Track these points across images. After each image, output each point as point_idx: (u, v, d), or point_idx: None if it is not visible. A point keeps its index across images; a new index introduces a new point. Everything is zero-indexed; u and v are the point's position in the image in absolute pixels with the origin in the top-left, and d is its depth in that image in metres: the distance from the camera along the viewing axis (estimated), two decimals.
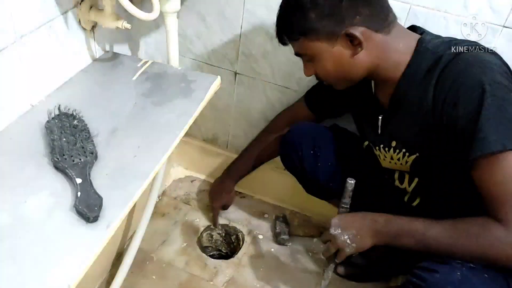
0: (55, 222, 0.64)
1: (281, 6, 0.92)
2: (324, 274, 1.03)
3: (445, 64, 0.81)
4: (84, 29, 0.90)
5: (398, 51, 0.88)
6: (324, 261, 1.00)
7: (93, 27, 0.92)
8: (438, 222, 0.80)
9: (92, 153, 0.72)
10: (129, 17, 1.01)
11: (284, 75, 1.29)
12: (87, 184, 0.67)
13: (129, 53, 1.11)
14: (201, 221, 1.45)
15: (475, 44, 0.86)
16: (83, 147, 0.72)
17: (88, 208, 0.64)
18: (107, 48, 1.00)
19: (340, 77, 0.91)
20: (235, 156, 1.50)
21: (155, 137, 0.80)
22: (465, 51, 0.82)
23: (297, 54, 0.94)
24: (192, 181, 1.59)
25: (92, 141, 0.75)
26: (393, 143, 0.96)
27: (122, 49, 1.08)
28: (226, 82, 1.37)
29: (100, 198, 0.65)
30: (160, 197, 1.52)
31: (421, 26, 1.08)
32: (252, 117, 1.40)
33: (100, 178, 0.70)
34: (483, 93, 0.75)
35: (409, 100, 0.89)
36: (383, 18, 0.87)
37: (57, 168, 0.70)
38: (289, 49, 1.23)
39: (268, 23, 1.22)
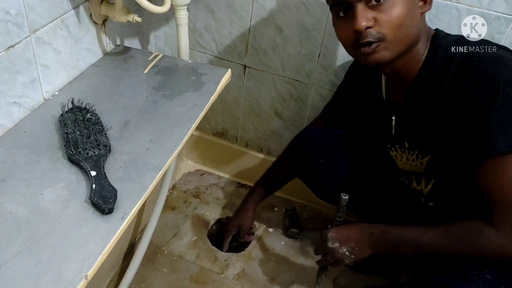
0: (71, 213, 0.65)
1: None
2: (318, 279, 1.05)
3: (459, 62, 0.79)
4: (96, 23, 0.91)
5: (425, 38, 0.86)
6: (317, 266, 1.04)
7: (104, 21, 0.93)
8: (432, 229, 0.80)
9: (105, 146, 0.73)
10: (139, 11, 1.01)
11: (294, 67, 1.29)
12: (102, 177, 0.68)
13: (139, 46, 1.12)
14: (211, 215, 1.45)
15: (486, 41, 0.84)
16: (96, 140, 0.73)
17: (103, 200, 0.64)
18: (118, 41, 1.01)
19: (404, 33, 0.79)
20: (244, 149, 1.51)
21: (167, 130, 0.80)
22: (477, 48, 0.80)
23: None
24: (202, 175, 1.60)
25: (106, 134, 0.75)
26: (406, 144, 0.94)
27: (132, 42, 1.08)
28: (235, 76, 1.37)
29: (114, 190, 0.66)
30: (170, 191, 1.53)
31: (432, 17, 1.07)
32: (262, 110, 1.40)
33: (114, 171, 0.71)
34: (496, 91, 0.73)
35: (422, 99, 0.86)
36: None
37: (71, 161, 0.71)
38: (298, 41, 1.24)
39: (277, 16, 1.22)
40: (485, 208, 0.75)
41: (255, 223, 1.42)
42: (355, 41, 0.81)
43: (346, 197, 0.93)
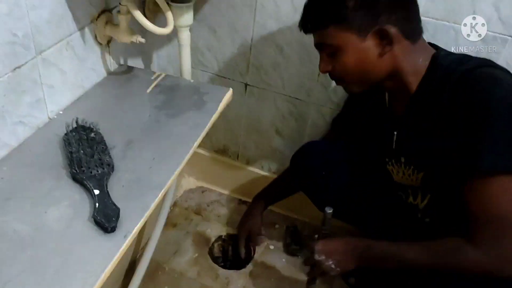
0: (74, 232, 0.65)
1: None
2: None
3: (456, 80, 0.80)
4: (100, 43, 0.93)
5: (418, 63, 0.88)
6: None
7: (109, 41, 0.95)
8: (416, 245, 0.83)
9: (109, 165, 0.74)
10: (143, 32, 1.03)
11: (294, 86, 1.31)
12: (105, 195, 0.69)
13: (142, 66, 1.14)
14: (213, 232, 1.46)
15: (487, 61, 0.86)
16: (100, 159, 0.74)
17: (106, 218, 0.65)
18: (122, 61, 1.03)
19: (359, 76, 0.87)
20: (245, 166, 1.51)
21: (169, 149, 0.82)
22: (477, 67, 0.80)
23: (318, 45, 0.90)
24: (203, 192, 1.60)
25: (109, 153, 0.77)
26: (402, 159, 0.96)
27: (136, 62, 1.10)
28: (237, 94, 1.39)
29: (117, 209, 0.67)
30: (171, 208, 1.53)
31: (430, 37, 1.09)
32: (262, 127, 1.42)
33: (117, 189, 0.72)
34: (489, 111, 0.74)
35: (420, 114, 0.88)
36: (415, 26, 0.87)
37: (75, 179, 0.72)
38: (299, 60, 1.26)
39: (278, 35, 1.24)
40: (468, 226, 0.76)
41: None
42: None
43: (330, 211, 0.97)
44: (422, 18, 1.06)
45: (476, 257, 0.74)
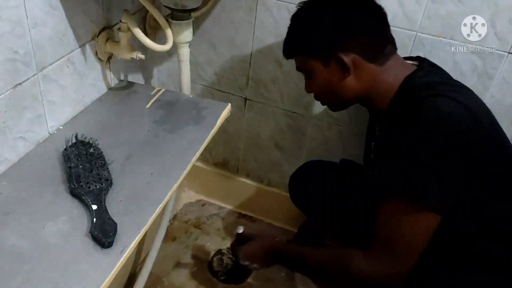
0: (72, 247, 0.66)
1: (291, 22, 0.96)
2: None
3: (410, 107, 0.79)
4: (101, 60, 0.94)
5: (388, 84, 0.89)
6: None
7: (109, 58, 0.96)
8: (318, 250, 0.92)
9: (107, 180, 0.75)
10: (143, 48, 1.05)
11: (293, 100, 1.32)
12: (102, 210, 0.69)
13: (143, 81, 1.15)
14: (212, 245, 1.46)
15: (458, 90, 0.83)
16: (98, 174, 0.75)
17: (103, 233, 0.66)
18: (122, 77, 1.04)
19: (330, 98, 0.97)
20: (245, 180, 1.52)
21: (168, 163, 0.82)
22: (430, 96, 0.77)
23: (297, 68, 0.99)
24: (203, 205, 1.61)
25: (108, 168, 0.77)
26: (375, 172, 0.99)
27: (136, 77, 1.12)
28: (236, 108, 1.40)
29: (114, 224, 0.68)
30: (171, 221, 1.53)
31: (427, 53, 1.10)
32: (262, 141, 1.43)
33: (114, 205, 0.72)
34: (402, 145, 0.78)
35: (385, 135, 0.94)
36: (379, 50, 0.89)
37: (73, 194, 0.73)
38: (297, 75, 1.27)
39: (276, 51, 1.25)
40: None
41: None
42: None
43: (241, 230, 1.11)
44: (419, 34, 1.09)
45: (361, 265, 0.82)
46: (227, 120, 1.43)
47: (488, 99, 1.10)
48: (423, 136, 0.74)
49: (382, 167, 0.90)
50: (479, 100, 0.85)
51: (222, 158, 1.55)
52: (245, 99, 1.38)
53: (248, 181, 1.52)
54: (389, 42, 0.92)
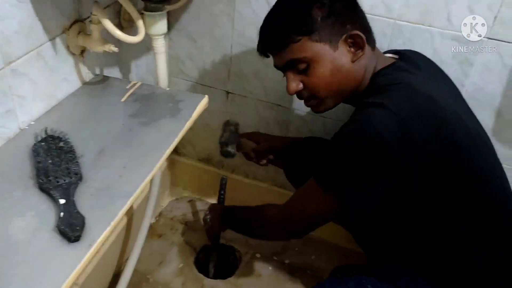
0: (39, 242, 0.65)
1: (277, 8, 0.91)
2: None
3: (357, 114, 0.83)
4: (73, 54, 0.93)
5: (367, 73, 0.90)
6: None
7: (82, 51, 0.95)
8: (247, 208, 1.09)
9: (76, 174, 0.73)
10: (119, 41, 1.03)
11: (276, 92, 1.31)
12: (70, 205, 0.68)
13: (120, 76, 1.14)
14: (198, 241, 1.44)
15: (407, 95, 0.81)
16: (67, 168, 0.73)
17: (70, 227, 0.64)
18: (97, 71, 1.02)
19: (335, 87, 0.88)
20: (230, 175, 1.50)
21: (141, 156, 0.81)
22: (378, 110, 0.79)
23: (287, 64, 0.88)
24: (189, 201, 1.59)
25: (77, 162, 0.76)
26: None
27: (113, 72, 1.10)
28: (219, 102, 1.39)
29: (82, 218, 0.66)
30: (157, 218, 1.52)
31: (407, 41, 1.09)
32: None
33: (84, 198, 0.71)
34: (338, 143, 0.83)
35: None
36: (371, 34, 0.90)
37: (42, 189, 0.71)
38: None
39: (257, 43, 1.24)
40: None
41: (241, 249, 1.41)
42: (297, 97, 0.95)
43: (226, 178, 1.35)
44: (398, 22, 1.08)
45: (270, 211, 1.00)
46: (210, 115, 1.42)
47: (469, 86, 1.09)
48: (346, 142, 0.81)
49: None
50: (432, 105, 0.82)
51: (206, 154, 1.54)
52: (227, 92, 1.37)
53: (233, 176, 1.51)
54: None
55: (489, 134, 1.12)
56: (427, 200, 0.83)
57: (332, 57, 0.85)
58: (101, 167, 0.78)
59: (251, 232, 1.12)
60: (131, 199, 0.73)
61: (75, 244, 0.64)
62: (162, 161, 0.81)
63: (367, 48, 0.87)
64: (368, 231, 1.00)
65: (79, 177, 0.73)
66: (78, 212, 0.67)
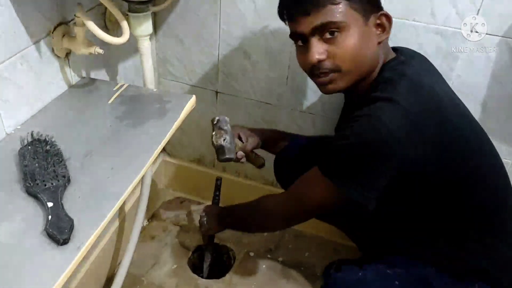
0: (27, 246, 0.64)
1: None
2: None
3: (366, 107, 0.81)
4: (58, 56, 0.92)
5: (380, 62, 0.89)
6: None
7: (68, 54, 0.94)
8: (244, 204, 1.08)
9: (64, 177, 0.73)
10: (105, 44, 1.03)
11: (264, 91, 1.31)
12: (58, 208, 0.68)
13: (108, 78, 1.13)
14: (192, 242, 1.44)
15: (412, 89, 0.82)
16: (54, 171, 0.73)
17: (59, 230, 0.64)
18: (84, 74, 1.02)
19: (357, 62, 0.84)
20: (222, 175, 1.50)
21: (129, 158, 0.81)
22: (388, 105, 0.79)
23: (317, 28, 0.81)
24: (181, 202, 1.59)
25: (65, 165, 0.76)
26: None
27: (100, 74, 1.10)
28: (208, 102, 1.39)
29: (70, 220, 0.66)
30: (149, 220, 1.52)
31: (392, 36, 1.10)
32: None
33: (72, 201, 0.71)
34: (347, 137, 0.82)
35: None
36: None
37: (29, 193, 0.71)
38: (267, 66, 1.26)
39: (244, 42, 1.24)
40: None
41: (234, 248, 1.41)
42: (311, 71, 0.87)
43: (220, 179, 1.34)
44: None
45: (269, 200, 1.02)
46: (200, 115, 1.42)
47: (454, 80, 1.10)
48: (357, 137, 0.80)
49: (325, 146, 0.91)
50: (434, 98, 0.83)
51: (198, 154, 1.54)
52: (216, 92, 1.37)
53: (225, 175, 1.51)
54: None
55: None
56: (429, 194, 0.84)
57: (363, 31, 0.83)
58: (88, 169, 0.78)
59: (251, 227, 1.12)
60: (120, 200, 0.72)
61: (64, 247, 0.64)
62: (150, 162, 0.81)
63: (386, 36, 0.87)
64: (368, 226, 1.00)
65: (66, 180, 0.73)
66: (66, 215, 0.67)
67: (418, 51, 1.07)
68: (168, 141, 1.52)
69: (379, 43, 0.87)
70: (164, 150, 1.58)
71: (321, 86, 0.88)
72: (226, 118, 1.11)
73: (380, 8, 0.87)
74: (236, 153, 1.09)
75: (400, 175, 0.80)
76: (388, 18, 0.86)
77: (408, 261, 0.87)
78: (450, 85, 1.09)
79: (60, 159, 0.76)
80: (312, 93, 1.27)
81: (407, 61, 0.89)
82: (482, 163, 0.87)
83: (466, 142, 0.84)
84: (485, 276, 0.86)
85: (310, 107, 1.29)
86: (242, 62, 1.28)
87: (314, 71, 0.86)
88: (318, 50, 0.83)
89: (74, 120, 0.90)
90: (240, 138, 1.13)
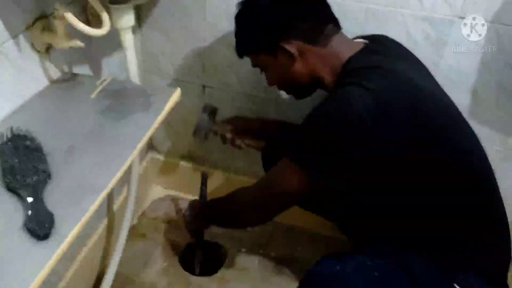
0: (7, 242, 0.62)
1: (235, 24, 1.02)
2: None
3: (334, 93, 0.85)
4: (38, 51, 0.90)
5: (332, 65, 0.91)
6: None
7: (48, 48, 0.92)
8: (221, 197, 1.09)
9: (44, 172, 0.71)
10: (87, 37, 1.01)
11: (251, 83, 1.29)
12: (39, 203, 0.66)
13: (92, 73, 1.11)
14: (183, 240, 1.43)
15: (381, 75, 0.83)
16: (35, 167, 0.71)
17: (38, 225, 0.62)
18: (66, 69, 1.00)
19: (287, 85, 1.01)
20: (212, 170, 1.49)
21: (112, 152, 0.79)
22: (350, 84, 0.81)
23: (253, 65, 1.04)
24: (171, 200, 1.57)
25: (46, 160, 0.74)
26: None
27: (84, 69, 1.08)
28: (196, 96, 1.37)
29: (51, 215, 0.64)
30: (139, 219, 1.50)
31: (380, 25, 1.09)
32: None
33: (54, 196, 0.69)
34: (311, 120, 0.84)
35: None
36: (318, 31, 0.91)
37: (9, 189, 0.69)
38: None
39: (230, 34, 1.22)
40: None
41: (226, 245, 1.40)
42: None
43: (206, 173, 1.35)
44: (370, 6, 1.07)
45: (242, 192, 1.02)
46: (187, 110, 1.40)
47: (443, 67, 1.09)
48: (319, 119, 0.82)
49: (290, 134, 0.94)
50: (407, 83, 0.82)
51: (187, 151, 1.52)
52: (203, 86, 1.35)
53: (215, 171, 1.50)
54: (329, 21, 0.93)
55: (466, 114, 1.12)
56: (405, 178, 0.83)
57: (275, 65, 0.96)
58: (70, 164, 0.76)
59: (228, 221, 1.11)
60: (102, 194, 0.70)
61: (44, 242, 0.62)
62: (134, 155, 0.79)
63: (314, 49, 0.91)
64: (350, 215, 0.99)
65: (47, 175, 0.71)
66: (46, 210, 0.65)
67: (407, 39, 1.07)
68: (156, 138, 1.52)
69: (295, 59, 0.92)
70: (152, 147, 1.56)
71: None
72: (212, 106, 1.25)
73: (282, 39, 0.92)
74: (223, 135, 1.23)
75: (373, 160, 0.79)
76: (286, 49, 0.92)
77: (391, 250, 0.86)
78: (439, 73, 1.09)
79: (41, 155, 0.74)
80: None
81: (375, 49, 0.91)
82: (460, 149, 0.85)
83: (440, 127, 0.82)
84: (469, 263, 0.85)
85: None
86: (228, 55, 1.26)
87: None
88: (266, 79, 1.05)
89: (56, 115, 0.87)
90: (234, 124, 1.24)
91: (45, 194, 0.69)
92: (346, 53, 0.90)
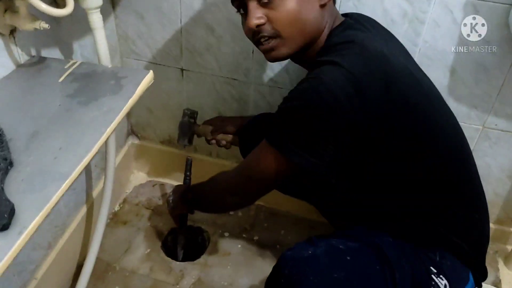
0: None
1: None
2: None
3: (311, 73, 0.80)
4: (2, 34, 0.86)
5: (325, 30, 0.87)
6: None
7: (12, 31, 0.89)
8: (203, 182, 1.06)
9: (6, 159, 0.68)
10: (56, 19, 0.97)
11: (231, 66, 1.27)
12: None
13: (62, 57, 1.07)
14: (165, 225, 1.41)
15: (356, 52, 0.79)
16: None
17: None
18: (33, 52, 0.96)
19: (298, 28, 0.82)
20: (193, 155, 1.46)
21: (79, 137, 0.76)
22: (329, 67, 0.77)
23: None
24: (153, 186, 1.55)
25: (7, 147, 0.71)
26: None
27: (53, 53, 1.04)
28: (174, 80, 1.34)
29: (10, 204, 0.62)
30: (120, 205, 1.48)
31: (357, 2, 1.06)
32: (205, 113, 1.37)
33: (15, 184, 0.66)
34: (289, 103, 0.79)
35: None
36: None
37: None
38: (231, 39, 1.21)
39: (206, 15, 1.19)
40: None
41: (208, 229, 1.39)
42: (253, 38, 0.86)
43: (190, 159, 1.32)
44: None
45: (222, 175, 1.00)
46: (167, 95, 1.38)
47: (421, 45, 1.07)
48: (294, 101, 0.78)
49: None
50: (381, 59, 0.79)
51: (167, 135, 1.49)
52: (182, 70, 1.32)
53: (197, 155, 1.47)
54: None
55: (444, 92, 1.11)
56: (382, 158, 0.82)
57: None
58: (34, 150, 0.73)
59: (208, 205, 1.09)
60: (67, 181, 0.68)
61: (4, 233, 0.60)
62: (102, 140, 0.76)
63: (331, 4, 0.86)
64: (330, 198, 0.98)
65: (8, 163, 0.68)
66: (6, 199, 0.62)
67: (384, 17, 1.04)
68: (137, 123, 1.49)
69: (322, 6, 0.84)
70: (132, 132, 1.53)
71: (265, 53, 0.87)
72: (191, 110, 1.27)
73: None
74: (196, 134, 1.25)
75: (349, 137, 0.78)
76: None
77: (367, 233, 0.85)
78: (417, 51, 1.07)
79: (2, 141, 0.71)
80: (279, 66, 1.23)
81: (354, 25, 0.87)
82: (434, 125, 0.84)
83: (414, 103, 0.80)
84: (446, 244, 0.84)
85: (277, 81, 1.25)
86: (205, 36, 1.23)
87: (255, 37, 0.84)
88: (255, 15, 0.81)
89: (20, 100, 0.84)
90: (214, 126, 1.23)
91: (6, 183, 0.66)
92: (336, 21, 0.88)
